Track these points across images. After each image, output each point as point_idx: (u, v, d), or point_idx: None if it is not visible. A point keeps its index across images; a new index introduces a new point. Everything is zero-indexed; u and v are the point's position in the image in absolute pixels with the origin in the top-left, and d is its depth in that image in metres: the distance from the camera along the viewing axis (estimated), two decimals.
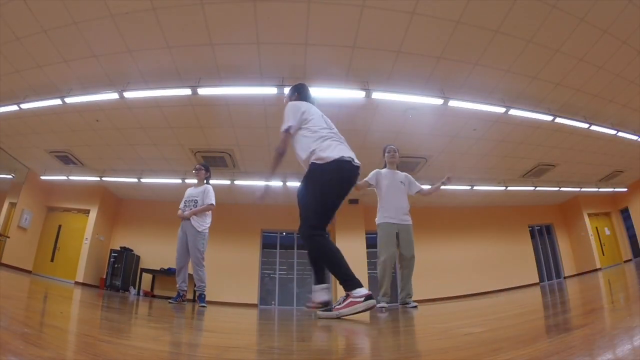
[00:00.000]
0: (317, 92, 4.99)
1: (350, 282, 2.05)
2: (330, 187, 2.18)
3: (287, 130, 2.32)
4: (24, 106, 5.37)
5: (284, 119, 2.37)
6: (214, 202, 4.35)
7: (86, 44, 4.32)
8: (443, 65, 4.69)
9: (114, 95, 4.98)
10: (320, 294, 2.27)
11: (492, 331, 1.31)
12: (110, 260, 8.29)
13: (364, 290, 2.02)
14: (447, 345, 1.05)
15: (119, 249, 8.53)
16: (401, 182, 3.81)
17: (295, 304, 8.91)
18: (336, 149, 2.22)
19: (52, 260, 8.47)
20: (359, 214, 9.11)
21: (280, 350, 1.12)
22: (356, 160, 2.26)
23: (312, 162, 2.20)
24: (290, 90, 2.73)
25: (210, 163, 7.26)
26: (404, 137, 6.36)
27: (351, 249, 8.12)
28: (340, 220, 8.94)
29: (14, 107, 5.40)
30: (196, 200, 4.33)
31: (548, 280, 9.98)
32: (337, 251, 2.12)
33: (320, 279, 2.31)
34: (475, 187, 8.53)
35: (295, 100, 2.58)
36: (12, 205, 7.83)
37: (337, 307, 2.06)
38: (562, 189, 9.10)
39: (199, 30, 4.11)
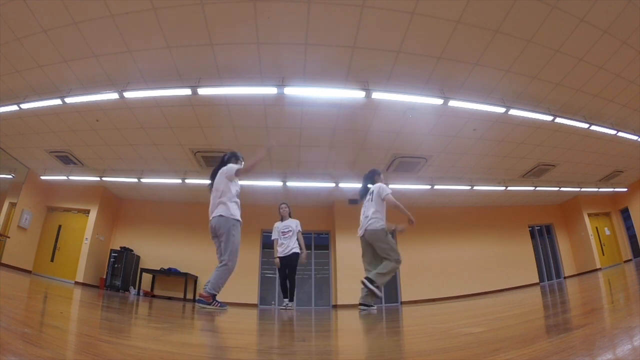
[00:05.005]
0: (318, 92, 5.00)
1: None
2: None
3: None
4: (24, 106, 5.37)
5: None
6: None
7: (86, 44, 4.32)
8: (443, 65, 4.69)
9: (114, 95, 4.98)
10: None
11: (492, 331, 1.31)
12: (110, 260, 8.28)
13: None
14: (447, 345, 1.05)
15: (119, 249, 8.51)
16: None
17: (295, 304, 8.89)
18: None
19: (52, 260, 8.46)
20: (359, 215, 9.08)
21: (280, 350, 1.12)
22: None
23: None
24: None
25: (210, 163, 7.28)
26: (404, 137, 6.36)
27: (351, 249, 8.11)
28: (341, 220, 8.94)
29: (14, 107, 5.39)
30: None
31: (548, 280, 9.98)
32: None
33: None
34: (475, 187, 8.52)
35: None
36: (12, 205, 7.83)
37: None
38: (562, 189, 9.09)
39: (199, 30, 4.10)
